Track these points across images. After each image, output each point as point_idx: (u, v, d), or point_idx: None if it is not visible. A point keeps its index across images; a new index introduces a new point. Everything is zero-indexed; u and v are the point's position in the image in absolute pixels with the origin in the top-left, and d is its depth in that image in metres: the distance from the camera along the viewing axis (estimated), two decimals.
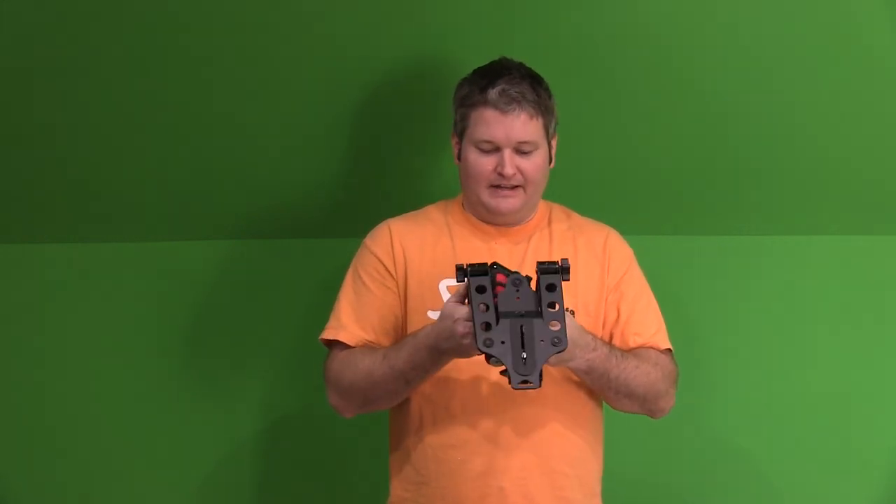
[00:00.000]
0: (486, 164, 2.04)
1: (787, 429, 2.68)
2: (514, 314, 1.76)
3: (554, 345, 1.74)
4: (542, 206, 2.16)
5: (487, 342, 1.74)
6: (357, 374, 2.01)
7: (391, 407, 2.08)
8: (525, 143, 2.03)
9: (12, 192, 2.68)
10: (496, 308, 1.77)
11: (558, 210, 2.18)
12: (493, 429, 1.99)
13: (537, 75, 2.07)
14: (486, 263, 1.81)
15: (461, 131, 2.08)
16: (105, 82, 2.45)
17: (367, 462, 2.63)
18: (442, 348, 1.89)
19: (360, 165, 2.63)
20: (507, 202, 2.06)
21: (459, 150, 2.10)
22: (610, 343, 2.05)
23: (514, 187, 2.05)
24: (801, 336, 2.70)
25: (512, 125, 2.01)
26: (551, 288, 1.76)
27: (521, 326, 1.74)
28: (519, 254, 2.08)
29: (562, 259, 1.79)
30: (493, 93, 2.02)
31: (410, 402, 2.05)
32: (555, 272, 1.77)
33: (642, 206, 2.66)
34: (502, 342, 1.74)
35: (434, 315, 2.01)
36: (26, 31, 2.34)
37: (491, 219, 2.11)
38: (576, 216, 2.19)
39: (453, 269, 1.96)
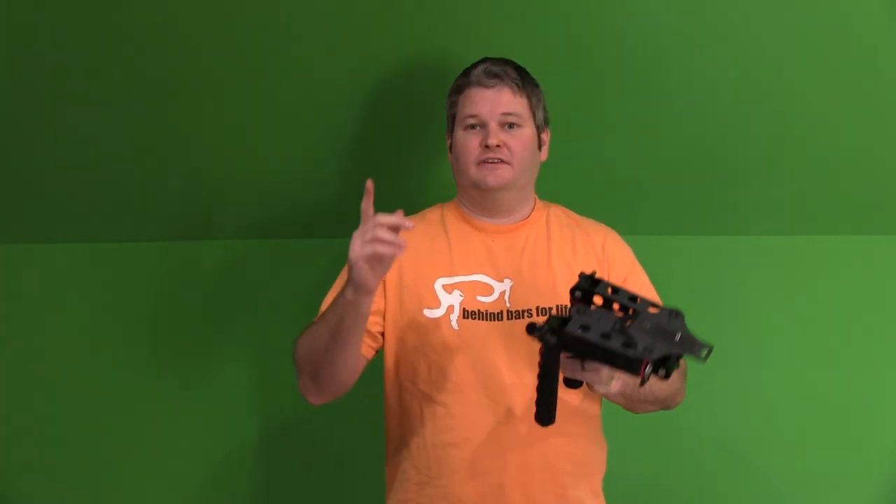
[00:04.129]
0: (472, 139, 2.06)
1: (788, 429, 2.68)
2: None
3: None
4: (540, 205, 2.17)
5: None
6: (308, 344, 1.97)
7: (349, 387, 2.01)
8: (509, 114, 2.05)
9: (12, 192, 2.68)
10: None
11: (556, 209, 2.18)
12: (493, 427, 2.00)
13: (522, 66, 2.11)
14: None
15: (452, 120, 2.11)
16: (105, 83, 2.45)
17: (363, 463, 2.62)
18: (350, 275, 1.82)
19: (357, 166, 2.62)
20: (494, 174, 2.06)
21: (451, 143, 2.12)
22: None
23: (502, 161, 2.05)
24: (801, 336, 2.70)
25: (496, 99, 2.05)
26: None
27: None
28: (516, 251, 2.08)
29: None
30: (476, 72, 2.08)
31: (410, 403, 2.05)
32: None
33: (642, 206, 2.66)
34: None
35: (430, 313, 2.02)
36: (26, 31, 2.35)
37: (484, 201, 2.10)
38: (574, 215, 2.19)
39: (449, 268, 2.00)
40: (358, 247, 1.78)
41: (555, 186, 2.29)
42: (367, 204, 1.80)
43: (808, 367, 2.69)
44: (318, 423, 2.72)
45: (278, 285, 2.77)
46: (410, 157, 2.61)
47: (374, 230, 1.77)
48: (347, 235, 2.20)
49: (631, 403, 2.04)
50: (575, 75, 2.41)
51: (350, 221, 2.28)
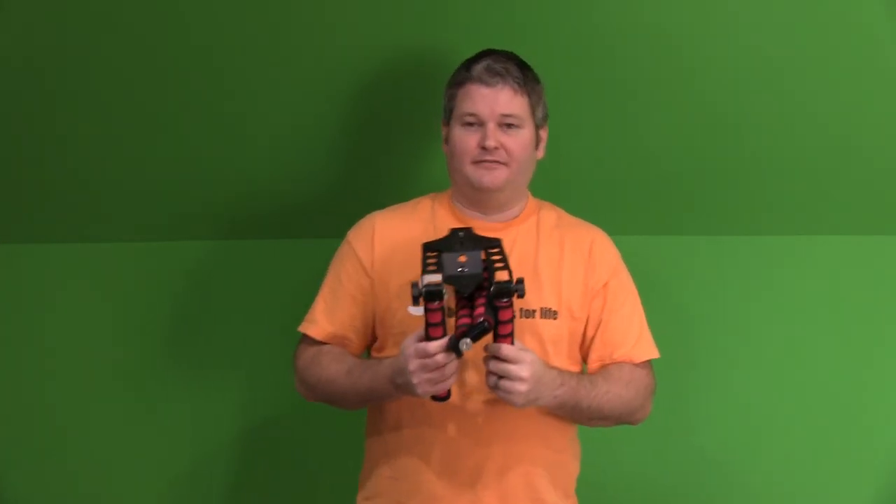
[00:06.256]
0: (469, 138, 2.04)
1: (787, 429, 2.67)
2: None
3: None
4: (532, 202, 2.15)
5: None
6: (322, 377, 2.04)
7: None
8: (509, 116, 2.03)
9: (6, 192, 2.68)
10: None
11: (548, 208, 2.17)
12: (468, 428, 1.99)
13: (524, 61, 2.09)
14: (441, 287, 1.80)
15: (449, 113, 2.09)
16: (101, 83, 2.44)
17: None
18: (396, 382, 1.90)
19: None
20: (491, 175, 2.04)
21: (447, 134, 2.10)
22: (578, 372, 2.05)
23: (498, 163, 2.04)
24: (801, 336, 2.70)
25: (496, 98, 2.02)
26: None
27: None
28: (506, 248, 2.02)
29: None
30: (477, 68, 2.04)
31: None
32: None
33: (642, 206, 2.66)
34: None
35: (414, 311, 1.99)
36: (24, 31, 2.34)
37: (477, 199, 2.08)
38: (565, 215, 2.17)
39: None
40: (426, 385, 1.84)
41: (555, 185, 2.28)
42: (429, 345, 1.82)
43: (808, 367, 2.69)
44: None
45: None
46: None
47: (440, 372, 1.83)
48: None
49: (579, 418, 2.04)
50: (575, 74, 2.40)
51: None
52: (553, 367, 1.95)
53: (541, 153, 2.12)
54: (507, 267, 1.84)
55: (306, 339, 2.10)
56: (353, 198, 2.59)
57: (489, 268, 1.84)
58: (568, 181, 2.52)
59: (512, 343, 1.84)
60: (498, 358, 1.84)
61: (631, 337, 2.09)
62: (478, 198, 2.09)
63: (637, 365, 2.08)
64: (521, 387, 1.84)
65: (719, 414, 2.69)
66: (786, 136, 2.51)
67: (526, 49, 2.13)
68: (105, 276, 2.79)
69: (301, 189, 2.66)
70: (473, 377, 1.98)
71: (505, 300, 1.79)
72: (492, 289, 1.79)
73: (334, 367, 2.03)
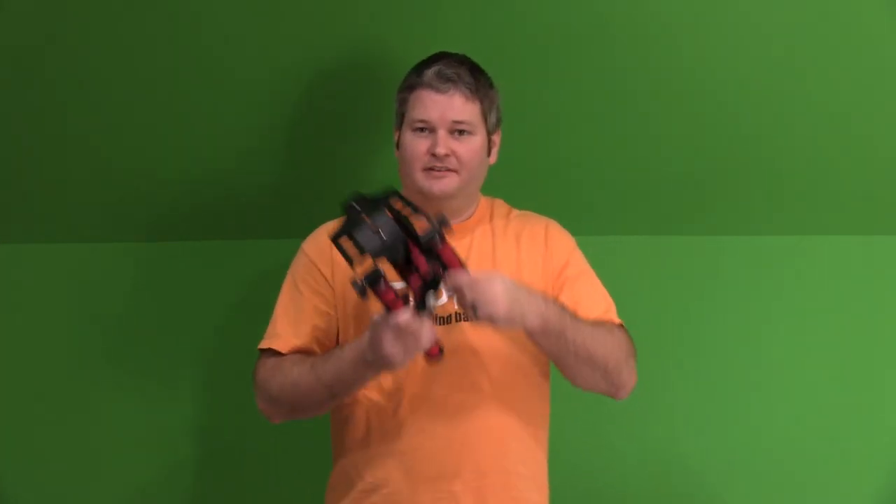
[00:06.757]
0: (420, 145, 2.02)
1: (786, 430, 2.67)
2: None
3: None
4: (484, 201, 2.14)
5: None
6: (285, 382, 1.98)
7: (322, 415, 2.05)
8: (460, 122, 2.01)
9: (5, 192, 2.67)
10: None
11: (500, 205, 2.15)
12: (443, 433, 1.96)
13: (478, 65, 2.07)
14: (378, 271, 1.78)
15: (401, 118, 2.07)
16: (93, 86, 2.43)
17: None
18: (367, 360, 1.86)
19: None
20: (441, 183, 2.02)
21: (399, 139, 2.08)
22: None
23: (449, 170, 2.02)
24: (801, 336, 2.70)
25: (448, 104, 2.00)
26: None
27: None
28: (462, 250, 2.00)
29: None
30: (429, 73, 2.02)
31: (355, 410, 2.01)
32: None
33: (642, 206, 2.66)
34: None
35: (376, 317, 1.98)
36: (20, 34, 2.33)
37: (427, 205, 2.03)
38: (514, 209, 2.16)
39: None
40: (400, 353, 1.81)
41: (554, 186, 2.28)
42: (399, 315, 1.79)
43: (808, 367, 2.69)
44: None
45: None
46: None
47: (419, 342, 1.80)
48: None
49: (565, 354, 1.96)
50: (572, 76, 2.40)
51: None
52: (537, 291, 1.92)
53: (493, 158, 2.11)
54: (417, 210, 1.83)
55: (267, 354, 2.04)
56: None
57: (400, 220, 1.82)
58: (568, 182, 2.52)
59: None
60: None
61: (600, 305, 2.06)
62: (429, 205, 2.04)
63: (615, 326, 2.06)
64: (500, 307, 1.81)
65: (719, 414, 2.69)
66: (786, 137, 2.51)
67: (522, 49, 2.12)
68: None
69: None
70: (446, 385, 1.96)
71: (437, 242, 1.79)
72: (420, 240, 1.79)
73: (297, 369, 1.97)
